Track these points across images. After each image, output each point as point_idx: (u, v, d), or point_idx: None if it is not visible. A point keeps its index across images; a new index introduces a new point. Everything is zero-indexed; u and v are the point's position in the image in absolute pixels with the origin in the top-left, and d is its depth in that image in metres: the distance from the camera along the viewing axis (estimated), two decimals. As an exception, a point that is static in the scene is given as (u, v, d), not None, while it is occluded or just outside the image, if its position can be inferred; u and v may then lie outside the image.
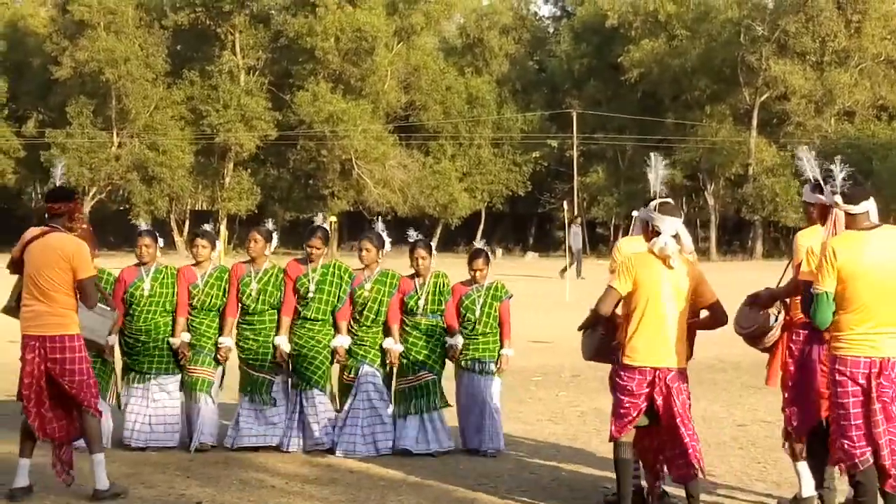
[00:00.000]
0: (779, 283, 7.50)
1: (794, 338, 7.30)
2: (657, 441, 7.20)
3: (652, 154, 7.66)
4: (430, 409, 9.38)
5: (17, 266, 7.69)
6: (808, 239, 7.10)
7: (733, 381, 13.96)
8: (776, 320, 7.33)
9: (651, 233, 7.19)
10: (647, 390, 7.03)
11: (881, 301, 6.23)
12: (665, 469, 7.29)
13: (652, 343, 7.01)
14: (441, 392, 9.49)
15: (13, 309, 7.81)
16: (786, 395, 7.41)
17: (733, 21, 56.37)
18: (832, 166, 6.41)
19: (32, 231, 7.65)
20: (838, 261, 6.21)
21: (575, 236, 36.27)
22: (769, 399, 12.23)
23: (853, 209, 6.32)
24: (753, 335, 7.42)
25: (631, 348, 7.07)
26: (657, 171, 7.42)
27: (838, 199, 6.33)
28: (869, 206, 6.36)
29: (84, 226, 7.97)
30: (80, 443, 8.24)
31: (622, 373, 7.12)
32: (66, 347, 7.49)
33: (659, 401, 7.02)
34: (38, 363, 7.45)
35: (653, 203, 7.25)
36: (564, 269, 32.16)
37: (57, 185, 8.22)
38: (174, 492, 7.92)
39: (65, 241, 7.52)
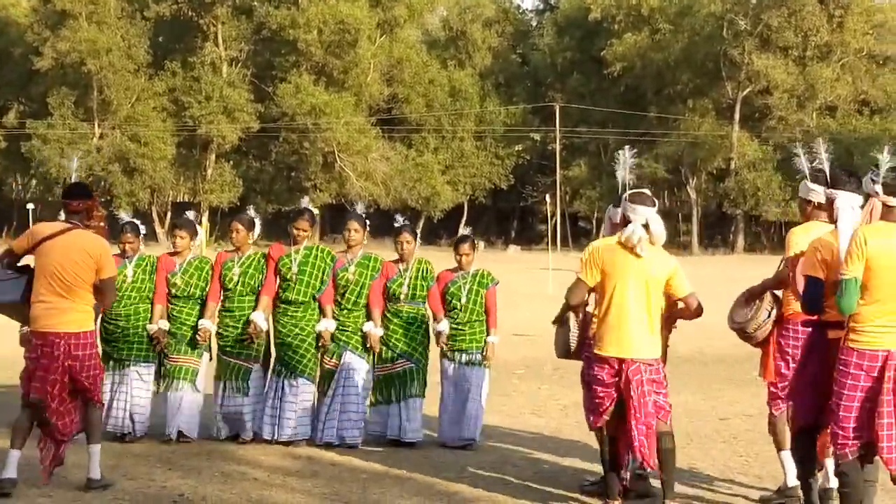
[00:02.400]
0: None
1: (783, 332, 7.30)
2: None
3: (625, 147, 7.65)
4: (407, 398, 9.37)
5: (17, 257, 7.64)
6: (801, 236, 7.07)
7: (716, 374, 13.98)
8: (769, 316, 7.31)
9: (624, 223, 7.20)
10: (616, 380, 7.04)
11: None
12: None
13: (618, 333, 7.03)
14: (420, 381, 9.46)
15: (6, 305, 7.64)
16: (772, 389, 7.41)
17: (716, 15, 56.53)
18: (879, 155, 6.25)
19: (49, 226, 7.62)
20: (868, 248, 6.11)
21: None
22: (751, 393, 12.27)
23: (893, 201, 6.22)
24: (745, 329, 7.40)
25: (598, 338, 7.12)
26: (626, 166, 7.46)
27: (880, 189, 6.23)
28: None
29: (101, 224, 7.96)
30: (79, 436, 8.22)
31: (594, 363, 7.16)
32: (87, 344, 7.57)
33: (621, 392, 7.02)
34: (63, 360, 7.43)
35: (626, 193, 7.26)
36: None
37: (72, 180, 8.21)
38: (155, 484, 7.89)
39: (91, 240, 7.57)
